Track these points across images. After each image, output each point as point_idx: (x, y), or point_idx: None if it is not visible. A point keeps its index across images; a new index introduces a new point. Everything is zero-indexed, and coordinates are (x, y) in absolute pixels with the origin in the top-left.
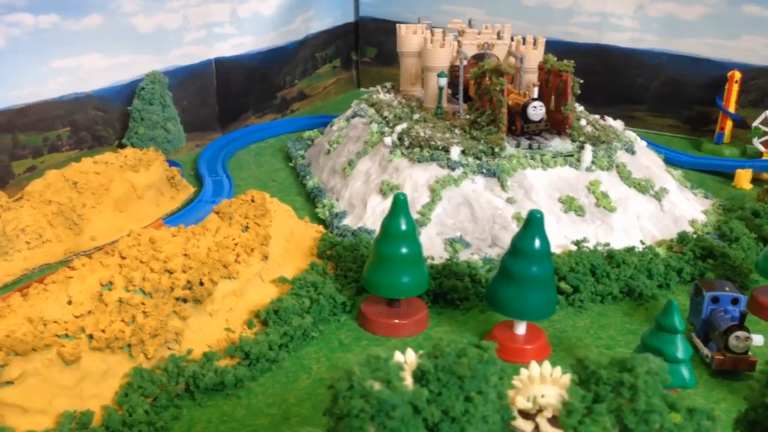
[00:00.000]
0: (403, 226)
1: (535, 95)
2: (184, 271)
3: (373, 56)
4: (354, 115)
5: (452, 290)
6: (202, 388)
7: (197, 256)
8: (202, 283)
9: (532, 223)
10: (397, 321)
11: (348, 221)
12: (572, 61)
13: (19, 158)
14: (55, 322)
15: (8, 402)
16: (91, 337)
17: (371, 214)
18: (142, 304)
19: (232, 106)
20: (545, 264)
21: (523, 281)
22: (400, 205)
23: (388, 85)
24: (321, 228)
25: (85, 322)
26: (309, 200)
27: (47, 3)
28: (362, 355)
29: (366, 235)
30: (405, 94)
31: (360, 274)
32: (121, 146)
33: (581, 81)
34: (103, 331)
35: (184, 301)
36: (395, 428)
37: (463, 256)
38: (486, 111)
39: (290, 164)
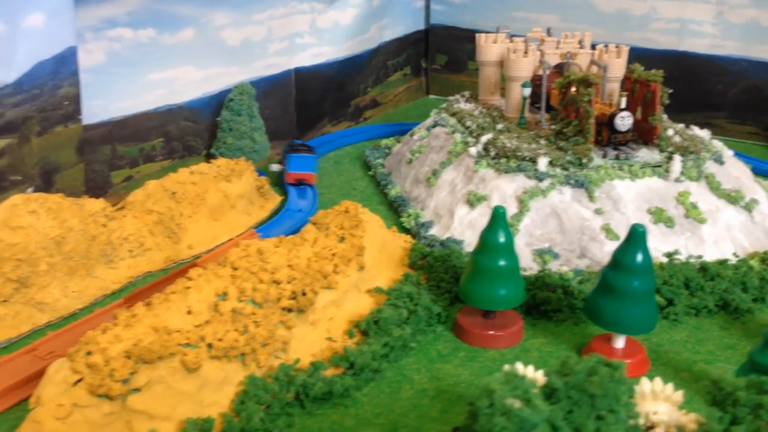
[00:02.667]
0: (501, 239)
1: (624, 105)
2: (289, 282)
3: (443, 63)
4: (435, 125)
5: (545, 302)
6: (311, 396)
7: (299, 267)
8: (304, 293)
9: (635, 237)
10: (493, 332)
11: (435, 231)
12: (661, 71)
13: (118, 168)
14: (178, 331)
15: (136, 408)
16: (210, 346)
17: (459, 225)
18: (253, 314)
19: (309, 114)
20: (647, 278)
21: (624, 295)
22: (499, 218)
23: (467, 94)
24: (409, 238)
25: (205, 332)
26: (392, 209)
27: (145, 18)
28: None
29: (456, 245)
30: (484, 103)
31: (452, 284)
32: (209, 156)
33: (670, 91)
34: (220, 340)
35: (289, 311)
36: None
37: (552, 267)
38: (572, 121)
39: (369, 173)
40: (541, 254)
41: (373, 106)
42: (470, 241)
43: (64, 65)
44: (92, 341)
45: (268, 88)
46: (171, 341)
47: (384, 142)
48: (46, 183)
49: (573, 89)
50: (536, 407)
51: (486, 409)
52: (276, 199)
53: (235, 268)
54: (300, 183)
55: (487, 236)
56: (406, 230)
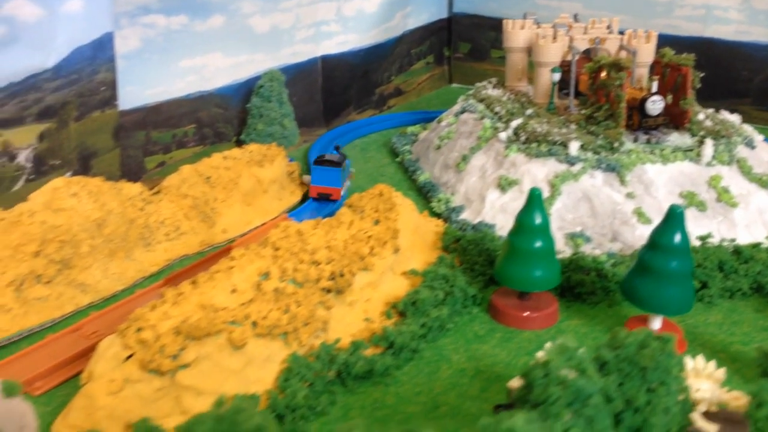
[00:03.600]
0: (538, 220)
1: (655, 89)
2: (328, 263)
3: (466, 51)
4: (463, 111)
5: (579, 284)
6: (353, 375)
7: (336, 249)
8: (342, 275)
9: (672, 218)
10: (528, 314)
11: (466, 215)
12: (692, 55)
13: (151, 154)
14: (224, 309)
15: (185, 384)
16: (254, 324)
17: (490, 209)
18: (294, 294)
19: (335, 102)
20: (685, 259)
21: (661, 276)
22: (535, 200)
23: (494, 80)
24: (441, 222)
25: (249, 310)
26: (421, 195)
27: (177, 5)
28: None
29: (489, 229)
30: (511, 89)
31: (486, 267)
32: (239, 142)
33: (702, 74)
34: (264, 318)
35: (328, 291)
36: (591, 416)
37: (584, 250)
38: (603, 106)
39: (396, 159)
40: (573, 238)
41: (396, 95)
42: (502, 225)
43: (102, 51)
44: (142, 318)
45: (295, 76)
46: (217, 319)
47: (410, 129)
48: (84, 168)
49: (603, 74)
50: (591, 378)
51: (541, 379)
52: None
53: (277, 249)
54: (323, 198)
55: (523, 218)
56: (436, 215)
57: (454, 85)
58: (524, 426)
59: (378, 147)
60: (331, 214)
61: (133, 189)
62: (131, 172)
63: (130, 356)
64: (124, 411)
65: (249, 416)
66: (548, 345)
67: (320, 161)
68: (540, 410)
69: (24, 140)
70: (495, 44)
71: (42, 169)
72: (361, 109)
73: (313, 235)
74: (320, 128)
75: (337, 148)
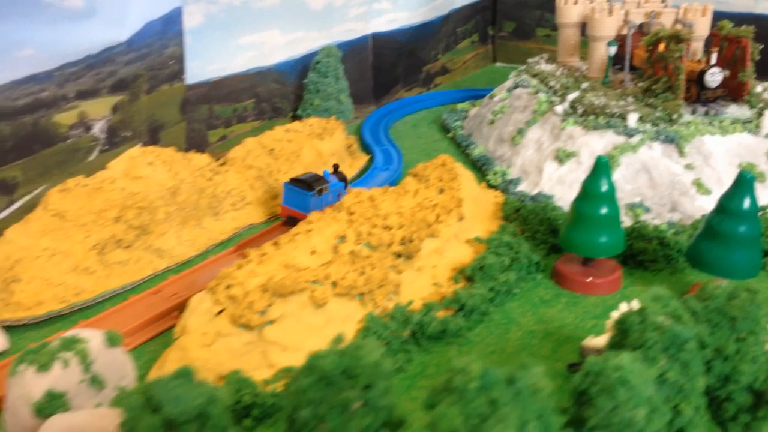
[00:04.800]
0: (604, 188)
1: (714, 61)
2: (399, 228)
3: (510, 30)
4: (516, 86)
5: (642, 252)
6: (427, 335)
7: (405, 215)
8: (411, 240)
9: (742, 184)
10: (593, 279)
11: (523, 187)
12: (752, 27)
13: (214, 128)
14: (306, 269)
15: (271, 339)
16: (334, 284)
17: (548, 180)
18: (369, 257)
19: (385, 79)
20: (753, 224)
21: (730, 240)
22: (602, 168)
23: (545, 56)
24: (499, 193)
25: (329, 271)
26: (475, 168)
27: None
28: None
29: (548, 200)
30: (564, 64)
31: (548, 235)
32: (296, 117)
33: (761, 46)
34: (342, 279)
35: (399, 256)
36: (686, 360)
37: (644, 220)
38: (661, 78)
39: (448, 135)
40: (632, 208)
41: (442, 73)
42: (560, 196)
43: (171, 25)
44: (230, 276)
45: (346, 53)
46: (300, 278)
47: (460, 106)
48: (152, 140)
49: (662, 46)
50: (687, 324)
51: (638, 325)
52: (363, 158)
53: (351, 213)
54: (293, 222)
55: (589, 185)
56: (493, 187)
57: (498, 64)
58: (631, 363)
59: (428, 123)
60: (393, 184)
61: (202, 160)
62: (196, 144)
63: (221, 311)
64: (216, 363)
65: (369, 351)
66: (623, 305)
67: (294, 181)
68: (635, 354)
69: (99, 112)
70: (540, 23)
71: (114, 140)
72: (409, 87)
73: (384, 201)
74: (370, 105)
75: (335, 167)
